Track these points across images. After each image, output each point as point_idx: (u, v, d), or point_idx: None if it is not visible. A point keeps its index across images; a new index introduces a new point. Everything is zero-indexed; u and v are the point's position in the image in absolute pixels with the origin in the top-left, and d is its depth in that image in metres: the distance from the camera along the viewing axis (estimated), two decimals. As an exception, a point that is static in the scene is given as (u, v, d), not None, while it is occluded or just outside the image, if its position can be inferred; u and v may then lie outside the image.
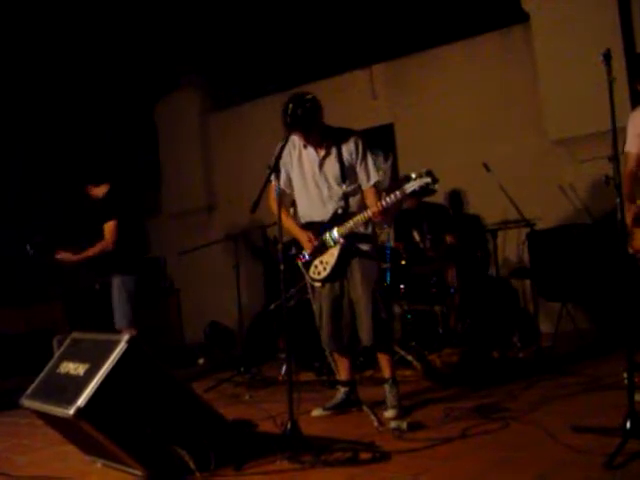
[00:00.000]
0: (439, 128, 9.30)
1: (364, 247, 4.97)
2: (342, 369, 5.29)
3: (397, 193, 4.63)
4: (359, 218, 4.82)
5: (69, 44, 11.13)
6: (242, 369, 7.34)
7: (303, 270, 5.10)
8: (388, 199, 4.68)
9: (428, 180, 4.56)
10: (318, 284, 5.05)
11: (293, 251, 5.21)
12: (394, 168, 9.65)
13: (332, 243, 4.92)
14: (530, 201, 7.88)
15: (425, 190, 4.67)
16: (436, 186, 4.64)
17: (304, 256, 5.07)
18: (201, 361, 9.25)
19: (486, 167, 7.40)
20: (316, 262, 5.01)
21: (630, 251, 4.62)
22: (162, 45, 11.35)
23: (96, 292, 11.08)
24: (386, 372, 5.07)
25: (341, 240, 4.88)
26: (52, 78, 11.65)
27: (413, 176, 4.56)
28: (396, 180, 9.18)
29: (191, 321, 11.74)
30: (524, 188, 8.05)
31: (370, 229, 5.04)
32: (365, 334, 4.90)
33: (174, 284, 12.13)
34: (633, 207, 4.49)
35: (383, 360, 5.10)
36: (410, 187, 4.58)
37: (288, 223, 5.07)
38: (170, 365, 7.66)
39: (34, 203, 12.61)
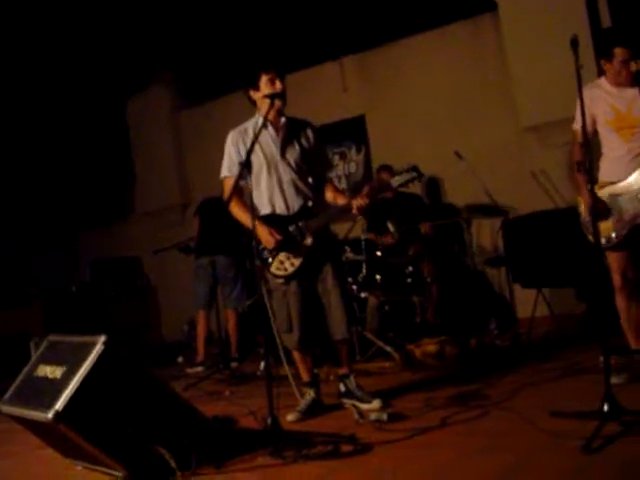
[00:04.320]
0: (411, 118, 9.31)
1: (332, 245, 4.94)
2: (305, 370, 5.10)
3: (382, 187, 4.70)
4: (335, 211, 4.78)
5: (38, 41, 11.04)
6: (221, 366, 7.34)
7: (264, 264, 4.84)
8: (372, 192, 4.63)
9: (414, 175, 4.57)
10: (280, 281, 4.84)
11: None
12: (367, 159, 9.68)
13: (300, 237, 4.77)
14: (503, 188, 7.94)
15: (412, 182, 4.65)
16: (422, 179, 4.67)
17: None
18: (180, 359, 9.23)
19: (458, 155, 7.45)
20: (281, 257, 4.80)
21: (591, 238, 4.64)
22: (133, 42, 11.27)
23: (73, 294, 11.08)
24: (347, 366, 5.03)
25: (311, 236, 4.74)
26: (21, 75, 11.55)
27: (399, 171, 4.58)
28: (369, 173, 9.23)
29: (169, 319, 11.74)
30: (497, 175, 8.11)
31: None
32: (339, 328, 4.79)
33: (151, 282, 12.12)
34: (587, 198, 4.50)
35: (345, 353, 5.02)
36: (397, 182, 4.57)
37: (243, 216, 4.84)
38: (149, 363, 7.71)
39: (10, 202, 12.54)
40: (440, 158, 8.45)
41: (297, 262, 4.78)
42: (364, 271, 6.96)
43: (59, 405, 3.41)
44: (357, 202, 4.62)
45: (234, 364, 7.62)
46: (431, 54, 9.24)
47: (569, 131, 4.93)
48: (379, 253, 7.18)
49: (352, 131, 9.74)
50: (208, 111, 11.45)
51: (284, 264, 4.82)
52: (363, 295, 7.08)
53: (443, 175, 8.95)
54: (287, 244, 4.79)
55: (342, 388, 5.01)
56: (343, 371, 5.04)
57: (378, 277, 7.07)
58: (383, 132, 9.58)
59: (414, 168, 4.60)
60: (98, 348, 3.58)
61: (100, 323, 10.60)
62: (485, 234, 8.61)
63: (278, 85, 4.78)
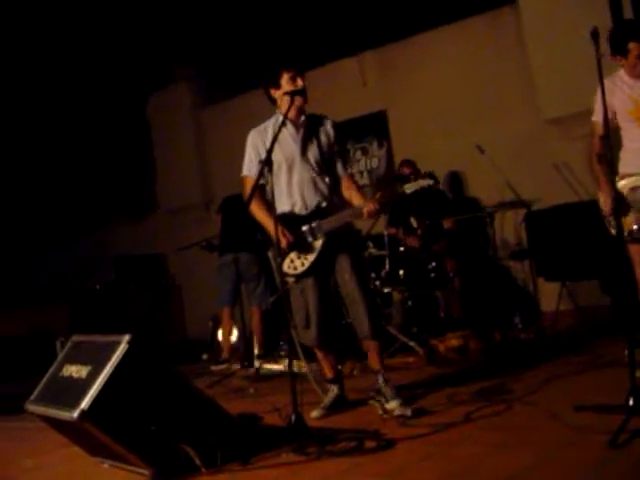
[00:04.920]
0: (432, 112, 9.29)
1: (350, 241, 4.84)
2: (329, 367, 5.08)
3: (396, 192, 4.58)
4: (349, 213, 4.72)
5: (61, 38, 11.13)
6: (246, 363, 7.37)
7: (273, 261, 4.88)
8: (383, 199, 4.59)
9: (430, 182, 4.48)
10: (291, 279, 4.82)
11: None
12: (389, 155, 9.67)
13: (312, 238, 4.74)
14: (526, 181, 7.90)
15: (426, 191, 4.57)
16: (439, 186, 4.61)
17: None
18: (204, 356, 9.26)
19: (480, 149, 7.42)
20: (292, 256, 4.78)
21: (613, 231, 4.62)
22: (155, 38, 11.34)
23: (98, 293, 11.16)
24: (378, 364, 4.87)
25: (324, 236, 4.71)
26: (44, 73, 11.65)
27: (412, 178, 4.52)
28: (392, 167, 9.22)
29: (193, 316, 11.78)
30: (519, 168, 8.08)
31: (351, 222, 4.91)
32: (364, 327, 4.73)
33: (175, 280, 12.18)
34: (608, 191, 4.47)
35: (375, 352, 4.89)
36: (411, 188, 4.49)
37: (261, 216, 4.87)
38: (174, 361, 7.76)
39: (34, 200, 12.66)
40: (462, 152, 8.42)
41: (307, 261, 4.76)
42: (387, 266, 6.96)
43: (85, 404, 3.45)
44: (368, 207, 4.59)
45: (259, 361, 7.65)
46: (451, 48, 9.20)
47: (590, 123, 4.90)
48: (402, 248, 7.17)
49: (373, 126, 9.73)
50: (230, 108, 11.48)
51: (294, 262, 4.80)
52: (386, 290, 7.08)
53: (465, 169, 8.92)
54: (298, 244, 4.78)
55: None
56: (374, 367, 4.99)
57: (401, 272, 7.07)
58: (404, 127, 9.56)
59: (430, 175, 4.52)
60: (122, 347, 3.60)
61: (125, 321, 10.67)
62: (508, 227, 8.57)
63: (299, 82, 4.77)
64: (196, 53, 11.73)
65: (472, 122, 8.88)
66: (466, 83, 9.05)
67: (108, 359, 3.58)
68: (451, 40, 9.23)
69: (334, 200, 4.85)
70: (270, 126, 4.93)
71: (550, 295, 7.43)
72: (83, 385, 3.58)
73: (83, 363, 3.75)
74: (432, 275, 7.25)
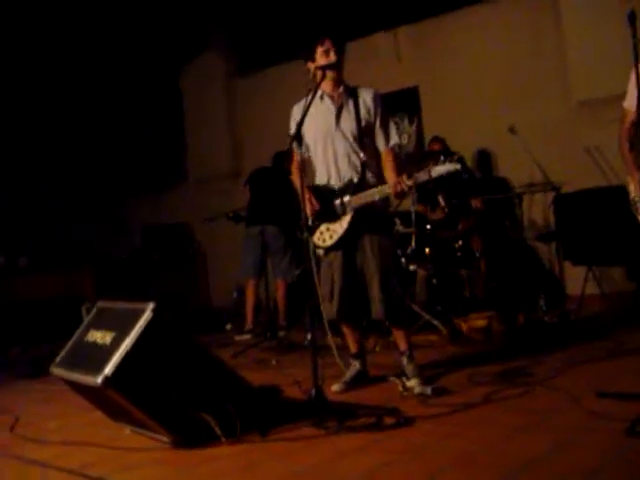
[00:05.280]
0: (464, 91, 9.25)
1: (377, 222, 4.80)
2: (352, 341, 5.11)
3: (422, 174, 4.43)
4: (377, 191, 4.63)
5: (95, 7, 11.14)
6: (269, 334, 7.41)
7: (306, 233, 4.78)
8: (410, 181, 4.49)
9: (457, 167, 4.34)
10: (320, 251, 4.87)
11: None
12: (419, 131, 9.64)
13: (342, 212, 4.76)
14: (556, 163, 7.87)
15: (452, 176, 4.46)
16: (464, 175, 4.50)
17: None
18: (228, 326, 9.31)
19: (512, 131, 7.38)
20: (322, 228, 4.83)
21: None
22: (188, 8, 11.33)
23: (124, 260, 11.26)
24: (402, 345, 4.90)
25: (352, 211, 4.71)
26: (80, 43, 11.68)
27: (442, 159, 4.42)
28: (422, 144, 9.18)
29: (219, 286, 11.85)
30: (550, 150, 8.04)
31: (384, 201, 4.81)
32: (377, 308, 4.74)
33: (201, 249, 12.24)
34: (637, 178, 4.44)
35: (398, 334, 4.93)
36: (437, 172, 4.36)
37: (299, 181, 4.74)
38: (198, 330, 7.84)
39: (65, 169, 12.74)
40: (492, 131, 8.40)
41: (336, 235, 4.78)
42: (413, 244, 6.95)
43: (108, 370, 3.49)
44: (395, 188, 4.55)
45: (282, 333, 7.70)
46: (486, 26, 9.14)
47: (622, 108, 4.85)
48: (429, 226, 7.16)
49: (405, 102, 9.69)
50: (262, 79, 11.48)
51: (323, 235, 4.85)
52: (412, 268, 7.07)
53: (495, 149, 8.88)
54: (329, 216, 4.82)
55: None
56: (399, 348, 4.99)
57: (427, 250, 7.05)
58: (436, 104, 9.53)
59: (460, 159, 4.39)
60: (147, 315, 3.64)
61: (150, 289, 10.76)
62: (537, 209, 8.54)
63: (332, 56, 4.75)
64: (230, 23, 11.72)
65: (504, 102, 8.83)
66: (500, 63, 9.00)
67: (132, 326, 3.62)
68: (486, 18, 9.17)
69: (367, 176, 4.80)
70: (309, 100, 4.89)
71: (576, 279, 7.39)
72: (107, 351, 3.62)
73: (108, 329, 3.79)
74: (458, 254, 7.23)
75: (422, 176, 4.45)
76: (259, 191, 8.37)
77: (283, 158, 8.12)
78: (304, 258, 4.66)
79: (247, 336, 8.02)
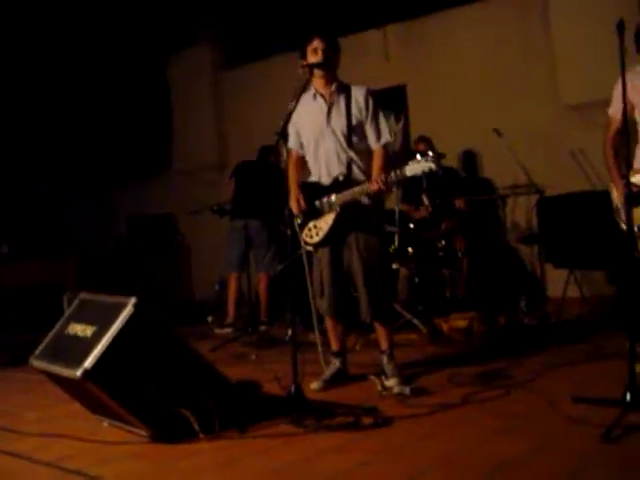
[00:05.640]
0: (452, 90, 9.27)
1: (364, 220, 4.81)
2: (335, 339, 5.14)
3: (397, 173, 4.44)
4: (358, 190, 4.66)
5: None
6: (250, 329, 7.41)
7: (297, 230, 4.93)
8: (387, 178, 4.52)
9: (432, 166, 4.29)
10: (309, 248, 4.91)
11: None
12: (406, 130, 9.64)
13: (328, 210, 4.79)
14: (541, 166, 7.91)
15: (427, 175, 4.51)
16: (440, 172, 4.47)
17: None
18: (210, 319, 9.31)
19: (497, 133, 7.41)
20: (310, 225, 4.87)
21: (623, 226, 4.61)
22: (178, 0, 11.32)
23: (109, 249, 11.24)
24: (383, 344, 4.95)
25: (337, 209, 4.73)
26: (65, 31, 11.63)
27: (418, 157, 4.40)
28: (408, 143, 9.19)
29: (202, 278, 11.84)
30: (536, 153, 8.09)
31: (374, 200, 4.83)
32: (363, 309, 4.82)
33: (185, 241, 12.24)
34: (621, 185, 4.47)
35: (380, 332, 4.97)
36: (411, 171, 4.36)
37: (290, 179, 5.02)
38: (180, 322, 7.84)
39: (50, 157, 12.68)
40: (478, 132, 8.42)
41: (322, 232, 4.82)
42: (396, 243, 6.97)
43: (88, 363, 3.49)
44: (371, 186, 4.59)
45: (263, 327, 7.70)
46: (475, 26, 9.17)
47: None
48: (412, 226, 7.18)
49: (392, 100, 9.69)
50: (250, 73, 11.46)
51: (311, 232, 4.89)
52: (394, 266, 7.09)
53: (481, 149, 8.92)
54: (316, 213, 4.86)
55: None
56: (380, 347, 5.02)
57: (410, 249, 7.07)
58: (423, 103, 9.55)
59: (435, 157, 4.31)
60: (128, 310, 3.64)
61: (133, 279, 10.74)
62: (520, 211, 8.58)
63: (319, 55, 4.76)
64: (218, 17, 11.70)
65: (491, 103, 8.86)
66: (488, 63, 9.03)
67: (113, 320, 3.62)
68: (476, 19, 9.20)
69: (355, 173, 4.83)
70: (304, 97, 4.88)
71: (557, 281, 7.44)
72: (87, 345, 3.62)
73: (89, 322, 3.79)
74: (441, 254, 7.27)
75: (397, 174, 4.47)
76: (244, 184, 8.33)
77: (269, 152, 8.14)
78: (288, 253, 4.67)
79: (228, 330, 8.01)
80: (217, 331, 8.09)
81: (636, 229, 4.51)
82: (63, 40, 11.77)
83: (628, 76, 4.46)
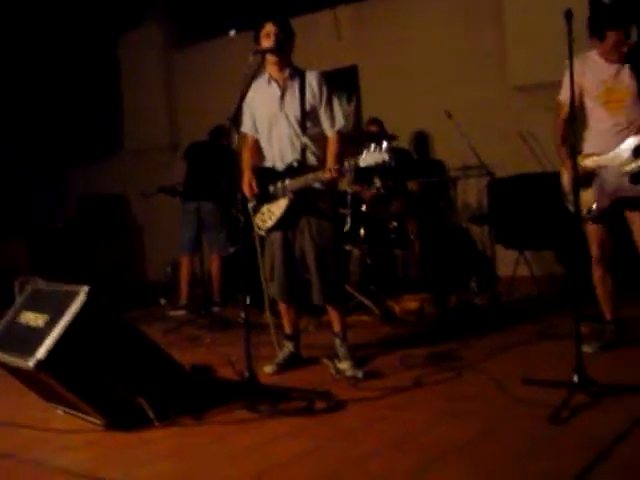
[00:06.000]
0: (403, 72, 9.32)
1: (317, 205, 4.82)
2: (288, 322, 5.19)
3: (351, 163, 4.44)
4: (312, 177, 4.68)
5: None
6: (202, 311, 7.42)
7: (251, 213, 4.94)
8: (341, 167, 4.52)
9: (385, 158, 4.28)
10: (262, 232, 4.93)
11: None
12: (357, 111, 9.68)
13: (282, 194, 4.81)
14: (491, 147, 7.97)
15: (381, 167, 4.45)
16: (393, 163, 4.47)
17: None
18: (162, 301, 9.28)
19: (448, 114, 7.46)
20: (263, 209, 4.90)
21: (571, 209, 4.70)
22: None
23: (59, 230, 11.11)
24: (336, 327, 4.98)
25: (290, 194, 4.76)
26: (15, 11, 11.45)
27: (372, 148, 4.41)
28: (359, 124, 9.22)
29: (154, 259, 11.80)
30: (486, 134, 8.15)
31: (327, 185, 4.82)
32: (315, 293, 4.84)
33: (137, 221, 12.16)
34: (570, 170, 4.55)
35: (333, 315, 5.00)
36: (365, 162, 4.35)
37: (244, 164, 5.02)
38: (132, 304, 7.81)
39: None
40: (430, 113, 8.47)
41: (274, 217, 4.84)
42: (348, 225, 7.00)
43: (41, 354, 3.47)
44: (325, 175, 4.60)
45: (216, 309, 7.71)
46: (426, 8, 9.23)
47: (559, 93, 4.93)
48: (364, 208, 7.21)
49: (344, 81, 9.71)
50: (201, 52, 11.40)
51: (264, 216, 4.91)
52: (347, 248, 7.13)
53: (432, 130, 8.97)
54: (268, 198, 4.89)
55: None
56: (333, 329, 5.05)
57: (362, 231, 7.11)
58: (374, 84, 9.59)
59: (389, 149, 4.27)
60: (81, 298, 3.63)
61: (84, 260, 10.66)
62: (471, 192, 8.66)
63: (272, 40, 4.75)
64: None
65: (442, 84, 8.94)
66: (439, 45, 9.10)
67: (66, 309, 3.61)
68: (428, 1, 9.21)
69: (309, 159, 4.84)
70: (259, 81, 4.88)
71: (508, 261, 7.55)
72: (40, 334, 3.60)
73: (41, 312, 3.77)
74: (392, 236, 7.32)
75: (350, 164, 4.47)
76: (196, 166, 8.31)
77: (220, 133, 8.11)
78: (240, 235, 4.67)
79: (181, 312, 8.01)
80: (171, 313, 8.08)
81: (584, 212, 4.61)
82: (13, 19, 11.58)
83: (578, 61, 4.55)
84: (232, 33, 10.05)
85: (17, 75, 12.37)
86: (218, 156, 8.04)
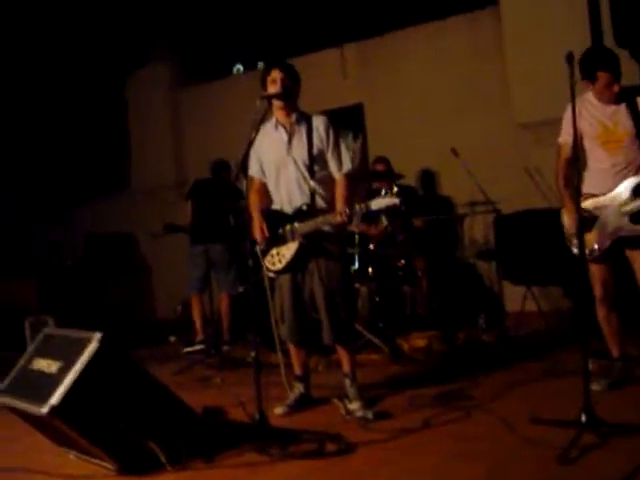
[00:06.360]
0: (409, 109, 9.39)
1: (327, 247, 4.87)
2: (298, 364, 5.21)
3: (362, 207, 4.56)
4: (322, 220, 4.75)
5: (42, 14, 11.08)
6: (213, 350, 7.45)
7: (260, 256, 4.99)
8: (352, 211, 4.61)
9: (396, 202, 4.49)
10: (272, 275, 4.99)
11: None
12: (363, 149, 9.76)
13: (291, 238, 4.86)
14: (498, 183, 8.00)
15: (392, 210, 4.69)
16: (402, 207, 4.60)
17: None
18: (172, 339, 9.32)
19: (454, 152, 7.52)
20: (273, 252, 4.94)
21: (574, 250, 4.76)
22: (134, 18, 11.32)
23: (68, 269, 11.17)
24: (345, 367, 5.02)
25: (300, 238, 4.81)
26: (23, 50, 11.59)
27: (383, 193, 4.58)
28: (366, 162, 9.30)
29: (163, 297, 11.82)
30: (492, 170, 8.17)
31: (336, 227, 4.87)
32: (325, 333, 4.89)
33: (145, 260, 12.21)
34: (572, 212, 4.61)
35: (343, 355, 5.03)
36: (376, 205, 4.51)
37: (252, 207, 5.06)
38: (141, 342, 7.82)
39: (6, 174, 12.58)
40: (436, 150, 8.53)
41: (284, 260, 4.88)
42: (357, 264, 7.05)
43: (55, 400, 3.52)
44: (336, 220, 4.68)
45: (226, 347, 7.72)
46: (431, 46, 9.32)
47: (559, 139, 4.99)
48: (372, 246, 7.26)
49: (350, 119, 9.80)
50: (207, 92, 11.49)
51: (274, 258, 4.95)
52: (356, 286, 7.16)
53: (438, 167, 9.03)
54: (278, 241, 4.93)
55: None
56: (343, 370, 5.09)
57: (370, 270, 7.16)
58: (380, 122, 9.66)
59: (398, 194, 4.65)
60: (93, 345, 3.68)
61: (94, 299, 10.70)
62: (478, 228, 8.70)
63: (278, 86, 4.83)
64: (176, 36, 11.73)
65: (447, 121, 9.00)
66: (443, 83, 9.17)
67: (79, 356, 3.66)
68: (432, 39, 9.35)
69: (317, 202, 4.90)
70: (266, 126, 4.95)
71: (515, 296, 7.57)
72: (53, 381, 3.65)
73: (54, 358, 3.82)
74: (400, 273, 7.37)
75: (362, 209, 4.58)
76: (201, 206, 8.31)
77: (221, 167, 8.16)
78: (249, 275, 4.72)
79: (199, 346, 7.95)
80: (188, 349, 8.01)
81: (586, 253, 4.66)
82: (21, 58, 11.73)
83: (577, 103, 4.61)
84: (238, 68, 10.20)
85: (26, 114, 12.51)
86: (222, 193, 8.05)
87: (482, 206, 7.60)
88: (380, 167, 7.85)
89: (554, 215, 6.99)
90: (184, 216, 8.53)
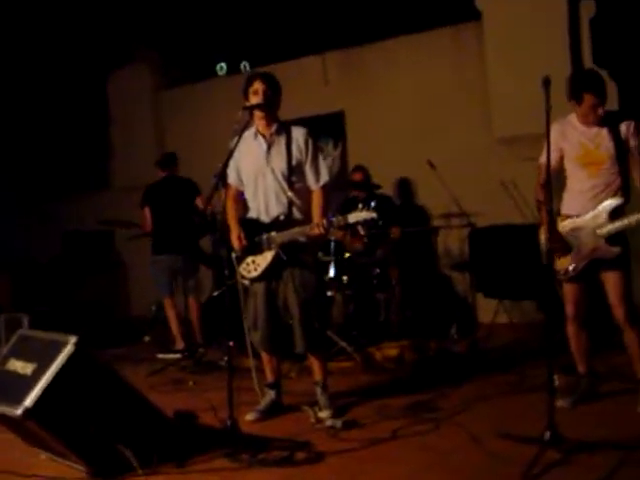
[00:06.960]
0: (389, 118, 9.45)
1: (301, 257, 4.93)
2: (270, 370, 5.27)
3: (340, 219, 4.69)
4: (298, 231, 4.82)
5: (22, 14, 11.06)
6: (186, 353, 7.47)
7: (235, 263, 5.03)
8: (329, 224, 4.73)
9: (374, 215, 4.62)
10: (246, 282, 5.07)
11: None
12: (343, 156, 9.83)
13: (267, 247, 4.91)
14: (473, 196, 8.11)
15: (369, 223, 4.85)
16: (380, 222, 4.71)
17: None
18: (147, 338, 9.32)
19: (430, 164, 7.61)
20: (248, 260, 4.99)
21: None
22: (116, 18, 11.30)
23: (43, 267, 11.14)
24: (317, 375, 5.11)
25: (277, 248, 4.86)
26: (3, 45, 11.56)
27: (360, 206, 4.69)
28: (345, 170, 9.36)
29: (138, 295, 11.82)
30: (468, 183, 8.27)
31: (311, 238, 4.92)
32: (298, 342, 4.95)
33: (122, 258, 12.20)
34: (547, 233, 4.69)
35: (315, 364, 5.12)
36: (354, 218, 4.63)
37: (229, 215, 5.11)
38: (116, 341, 7.82)
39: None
40: (414, 161, 8.58)
41: (259, 268, 4.95)
42: (332, 272, 7.11)
43: (29, 402, 3.56)
44: (312, 232, 4.77)
45: (201, 350, 7.66)
46: (413, 57, 9.38)
47: (541, 145, 5.05)
48: (347, 254, 7.32)
49: (330, 126, 9.86)
50: (188, 94, 11.51)
51: (249, 266, 5.01)
52: (330, 293, 7.21)
53: (415, 177, 9.10)
54: (254, 249, 4.99)
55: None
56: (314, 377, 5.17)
57: (345, 277, 7.21)
58: (361, 130, 9.71)
59: (375, 209, 4.77)
60: (69, 348, 3.72)
61: (69, 296, 10.68)
62: (453, 239, 8.77)
63: (260, 96, 4.89)
64: (158, 36, 11.72)
65: (426, 132, 9.07)
66: (424, 93, 9.25)
67: (54, 358, 3.70)
68: (414, 50, 9.41)
69: (294, 213, 4.96)
70: (246, 135, 4.98)
71: (488, 307, 7.66)
72: (28, 382, 3.69)
73: (29, 360, 3.85)
74: (375, 281, 7.44)
75: (340, 221, 4.71)
76: (160, 213, 8.08)
77: (171, 161, 8.09)
78: (223, 281, 4.79)
79: (176, 355, 7.72)
80: (160, 356, 7.84)
81: (561, 273, 4.76)
82: (2, 56, 11.69)
83: (558, 124, 4.74)
84: (222, 66, 10.27)
85: (6, 111, 12.47)
86: (178, 193, 7.99)
87: (457, 218, 7.69)
88: (358, 176, 7.92)
89: (529, 230, 7.12)
90: (146, 224, 8.25)
